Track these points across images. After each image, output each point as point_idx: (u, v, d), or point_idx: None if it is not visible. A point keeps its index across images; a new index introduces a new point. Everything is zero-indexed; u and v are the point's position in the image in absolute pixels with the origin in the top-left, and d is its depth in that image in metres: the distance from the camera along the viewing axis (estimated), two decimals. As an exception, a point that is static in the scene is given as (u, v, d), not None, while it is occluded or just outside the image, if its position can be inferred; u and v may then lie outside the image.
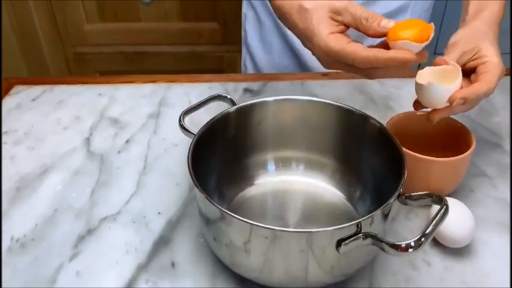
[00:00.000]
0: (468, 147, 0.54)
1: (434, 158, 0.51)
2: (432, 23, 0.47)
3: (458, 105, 0.48)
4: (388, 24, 0.47)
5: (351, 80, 0.80)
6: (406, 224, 0.54)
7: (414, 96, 0.53)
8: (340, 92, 0.77)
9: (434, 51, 1.19)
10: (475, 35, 0.53)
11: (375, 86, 0.78)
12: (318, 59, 0.51)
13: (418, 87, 0.50)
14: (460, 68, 0.49)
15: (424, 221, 0.54)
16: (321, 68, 0.85)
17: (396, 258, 0.49)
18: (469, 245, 0.50)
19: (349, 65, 0.48)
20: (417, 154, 0.51)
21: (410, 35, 0.45)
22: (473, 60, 0.53)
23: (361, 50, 0.46)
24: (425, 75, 0.50)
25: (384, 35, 0.47)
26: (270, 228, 0.39)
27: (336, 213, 0.52)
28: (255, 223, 0.39)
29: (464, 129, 0.56)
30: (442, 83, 0.49)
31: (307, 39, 0.50)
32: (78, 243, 0.52)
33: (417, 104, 0.52)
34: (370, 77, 0.49)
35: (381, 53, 0.45)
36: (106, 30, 1.48)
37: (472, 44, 0.52)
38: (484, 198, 0.57)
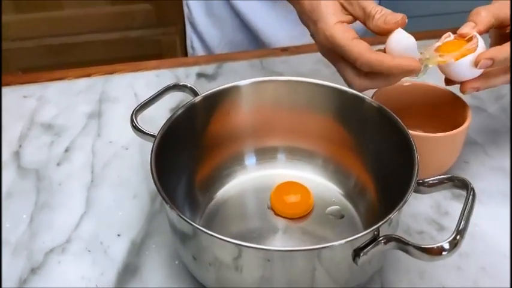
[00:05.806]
0: (460, 116, 0.48)
1: (437, 135, 0.45)
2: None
3: (485, 67, 0.42)
4: (393, 19, 0.41)
5: (312, 53, 0.72)
6: (406, 208, 0.47)
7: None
8: (304, 66, 0.69)
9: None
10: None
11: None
12: (316, 43, 0.46)
13: (442, 67, 0.45)
14: (476, 33, 0.44)
15: (425, 204, 0.48)
16: (278, 43, 0.78)
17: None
18: (480, 224, 0.45)
19: (347, 62, 0.43)
20: (421, 133, 0.45)
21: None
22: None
23: (367, 50, 0.41)
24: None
25: (387, 32, 0.42)
26: (268, 250, 0.31)
27: (332, 210, 0.44)
28: (250, 245, 0.31)
29: (452, 96, 0.51)
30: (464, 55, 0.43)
31: (311, 22, 0.45)
32: None
33: (448, 80, 0.47)
34: (362, 84, 0.43)
35: (388, 59, 0.41)
36: (24, 22, 1.30)
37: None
38: (481, 169, 0.52)
